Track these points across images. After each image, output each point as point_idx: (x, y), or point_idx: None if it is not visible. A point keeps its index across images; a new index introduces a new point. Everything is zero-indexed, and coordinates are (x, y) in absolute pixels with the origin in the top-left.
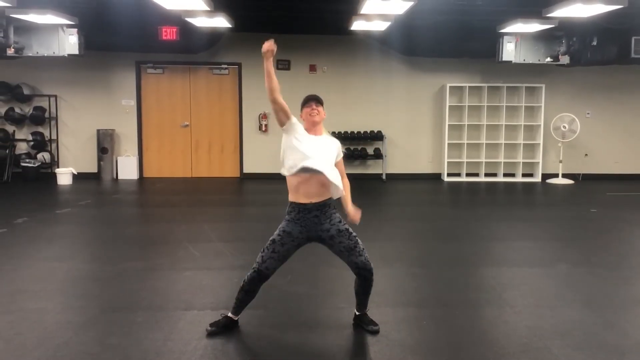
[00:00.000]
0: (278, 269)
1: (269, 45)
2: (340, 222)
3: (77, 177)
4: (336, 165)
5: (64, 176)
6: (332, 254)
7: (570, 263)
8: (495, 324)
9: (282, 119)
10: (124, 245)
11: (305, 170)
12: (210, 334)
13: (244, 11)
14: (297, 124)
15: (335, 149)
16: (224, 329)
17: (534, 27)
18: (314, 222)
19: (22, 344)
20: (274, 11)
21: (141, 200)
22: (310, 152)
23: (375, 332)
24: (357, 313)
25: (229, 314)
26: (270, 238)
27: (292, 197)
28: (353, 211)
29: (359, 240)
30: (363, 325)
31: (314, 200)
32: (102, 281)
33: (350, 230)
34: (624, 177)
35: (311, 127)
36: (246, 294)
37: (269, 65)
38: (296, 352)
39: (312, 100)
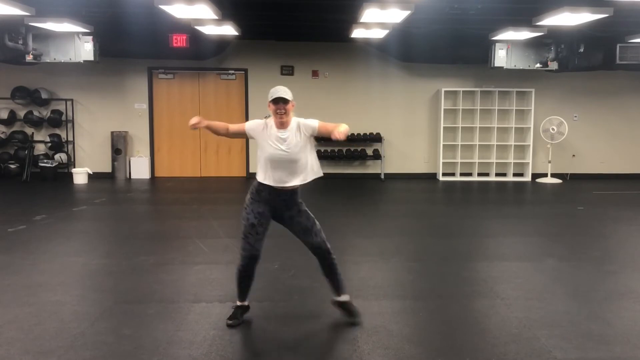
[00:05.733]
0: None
1: (195, 123)
2: (301, 203)
3: (93, 177)
4: (318, 132)
5: (80, 176)
6: None
7: (558, 258)
8: (487, 315)
9: (243, 136)
10: (137, 240)
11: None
12: (232, 326)
13: (250, 20)
14: (255, 126)
15: (301, 135)
16: (242, 317)
17: (524, 34)
18: (282, 206)
19: (41, 334)
20: (278, 20)
21: (153, 198)
22: (275, 161)
23: (355, 325)
24: (335, 299)
25: (239, 303)
26: (249, 223)
27: (261, 178)
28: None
29: (316, 223)
30: (345, 314)
31: (285, 185)
32: (116, 275)
33: (309, 213)
34: (609, 176)
35: (279, 124)
36: (247, 279)
37: (208, 128)
38: (299, 341)
39: (280, 101)
